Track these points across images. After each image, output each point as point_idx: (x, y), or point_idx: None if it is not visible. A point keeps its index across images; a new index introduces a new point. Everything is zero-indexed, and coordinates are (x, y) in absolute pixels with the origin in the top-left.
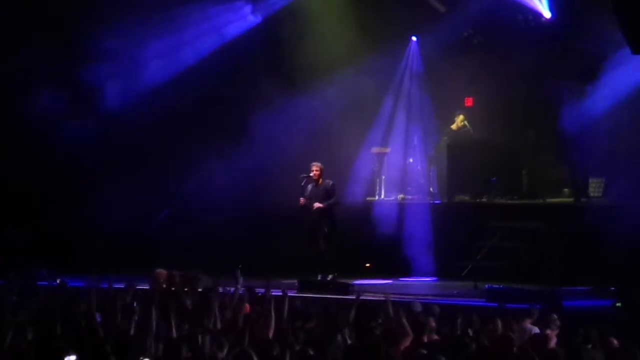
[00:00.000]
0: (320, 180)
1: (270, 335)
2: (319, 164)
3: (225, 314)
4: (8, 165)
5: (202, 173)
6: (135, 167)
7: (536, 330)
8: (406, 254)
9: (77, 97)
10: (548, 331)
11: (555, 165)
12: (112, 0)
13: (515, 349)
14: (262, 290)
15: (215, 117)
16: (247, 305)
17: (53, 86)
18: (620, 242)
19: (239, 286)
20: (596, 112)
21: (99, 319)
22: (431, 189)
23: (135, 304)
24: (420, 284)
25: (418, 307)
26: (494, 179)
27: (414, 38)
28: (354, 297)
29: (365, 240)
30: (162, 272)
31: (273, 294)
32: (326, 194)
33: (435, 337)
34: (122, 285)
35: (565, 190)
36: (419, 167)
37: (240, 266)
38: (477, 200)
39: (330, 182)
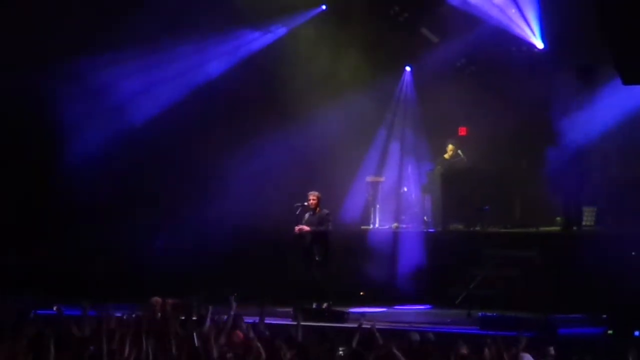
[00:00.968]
0: (318, 209)
1: None
2: (316, 193)
3: (219, 342)
4: (2, 192)
5: (197, 202)
6: (130, 198)
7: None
8: (400, 282)
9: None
10: None
11: (548, 194)
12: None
13: None
14: (256, 319)
15: (209, 146)
16: (240, 333)
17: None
18: (611, 270)
19: (232, 313)
20: (588, 141)
21: (91, 348)
22: (425, 218)
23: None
24: (414, 312)
25: (416, 337)
26: (487, 207)
27: (407, 68)
28: (355, 325)
29: (360, 269)
30: (157, 300)
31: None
32: (320, 223)
33: None
34: (118, 314)
35: (558, 219)
36: (413, 196)
37: (235, 294)
38: (471, 228)
39: (326, 212)
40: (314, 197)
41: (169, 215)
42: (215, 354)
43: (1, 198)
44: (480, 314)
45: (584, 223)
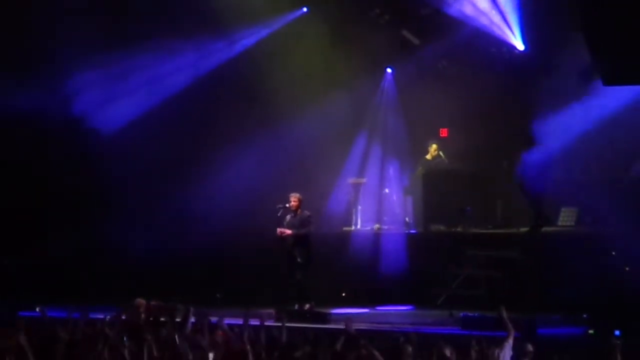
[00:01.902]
0: (299, 210)
1: None
2: (297, 195)
3: (201, 343)
4: None
5: (179, 203)
6: (114, 199)
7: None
8: (382, 283)
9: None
10: None
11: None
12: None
13: None
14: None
15: (188, 148)
16: (222, 334)
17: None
18: (593, 269)
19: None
20: (568, 142)
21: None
22: (407, 219)
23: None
24: (396, 312)
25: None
26: (469, 208)
27: (389, 70)
28: (342, 326)
29: (342, 270)
30: (141, 302)
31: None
32: (302, 225)
33: None
34: (101, 316)
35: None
36: (394, 197)
37: (218, 295)
38: (453, 229)
39: (307, 214)
40: (295, 199)
41: (151, 217)
42: (197, 355)
43: None
44: (462, 314)
45: (560, 223)
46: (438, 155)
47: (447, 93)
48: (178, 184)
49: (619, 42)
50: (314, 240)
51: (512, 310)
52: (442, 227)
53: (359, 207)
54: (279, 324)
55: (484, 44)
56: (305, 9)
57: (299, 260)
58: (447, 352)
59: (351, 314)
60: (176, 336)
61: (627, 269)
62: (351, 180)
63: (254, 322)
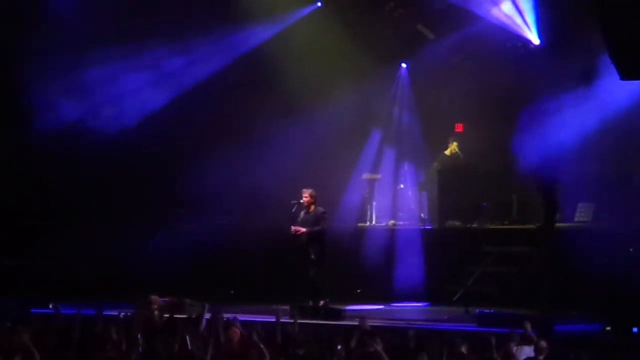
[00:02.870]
0: (312, 207)
1: None
2: (310, 190)
3: (216, 340)
4: None
5: (193, 200)
6: (126, 194)
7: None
8: (397, 280)
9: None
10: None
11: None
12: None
13: None
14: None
15: (202, 144)
16: (237, 331)
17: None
18: (610, 266)
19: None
20: (585, 137)
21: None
22: (422, 215)
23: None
24: (411, 309)
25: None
26: (485, 204)
27: (403, 64)
28: (356, 323)
29: (357, 266)
30: (155, 298)
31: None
32: (316, 222)
33: None
34: (115, 312)
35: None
36: (409, 193)
37: (232, 292)
38: (468, 225)
39: (321, 210)
40: (308, 195)
41: (165, 214)
42: (211, 352)
43: None
44: (478, 310)
45: (576, 219)
46: (456, 153)
47: (462, 87)
48: (191, 179)
49: (636, 36)
50: (328, 236)
51: (528, 307)
52: (457, 223)
53: (374, 203)
54: (292, 321)
55: (499, 38)
56: (319, 4)
57: (312, 257)
58: (464, 350)
59: (366, 310)
60: (190, 333)
61: None
62: (366, 175)
63: (270, 318)
